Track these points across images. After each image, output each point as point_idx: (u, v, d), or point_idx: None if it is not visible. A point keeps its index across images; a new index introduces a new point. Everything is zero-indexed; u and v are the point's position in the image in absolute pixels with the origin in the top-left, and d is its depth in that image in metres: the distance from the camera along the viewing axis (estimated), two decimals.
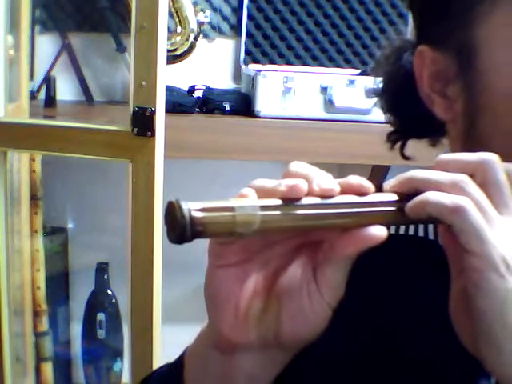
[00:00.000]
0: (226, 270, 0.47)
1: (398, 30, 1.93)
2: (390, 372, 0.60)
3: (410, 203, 0.45)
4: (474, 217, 0.44)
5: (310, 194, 0.45)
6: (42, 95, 1.79)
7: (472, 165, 0.47)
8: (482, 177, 0.46)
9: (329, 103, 1.64)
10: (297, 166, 0.47)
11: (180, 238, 0.41)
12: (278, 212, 0.44)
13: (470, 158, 0.47)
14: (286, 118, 1.63)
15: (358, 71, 1.85)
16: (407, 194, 0.46)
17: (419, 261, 0.63)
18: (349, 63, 1.94)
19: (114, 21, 1.82)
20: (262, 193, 0.45)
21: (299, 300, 0.47)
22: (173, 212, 0.42)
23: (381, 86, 0.70)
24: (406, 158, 0.71)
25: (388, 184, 0.48)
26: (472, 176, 0.46)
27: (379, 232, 0.44)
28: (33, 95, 1.75)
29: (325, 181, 0.45)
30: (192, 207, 0.41)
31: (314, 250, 0.48)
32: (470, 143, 0.59)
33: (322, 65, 1.93)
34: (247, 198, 0.45)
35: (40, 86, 1.80)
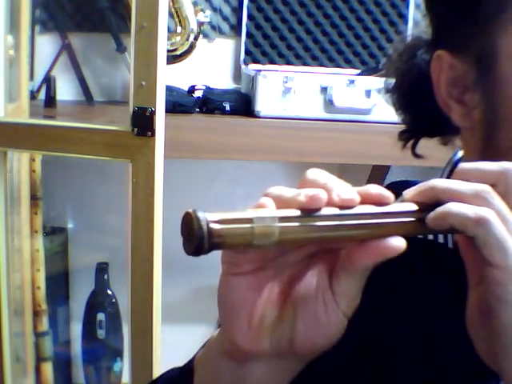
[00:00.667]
0: (241, 278, 0.46)
1: (398, 30, 1.93)
2: (400, 379, 0.59)
3: (432, 214, 0.45)
4: (498, 229, 0.43)
5: (329, 204, 0.44)
6: (42, 95, 1.79)
7: (494, 174, 0.46)
8: (504, 187, 0.45)
9: (329, 103, 1.64)
10: (314, 173, 0.46)
11: (197, 249, 0.41)
12: (297, 223, 0.43)
13: (491, 168, 0.46)
14: (286, 118, 1.63)
15: (358, 71, 1.85)
16: (427, 204, 0.45)
17: (432, 266, 0.62)
18: (349, 63, 1.94)
19: (114, 21, 1.82)
20: (280, 202, 0.44)
21: (315, 309, 0.46)
22: (190, 223, 0.41)
23: (393, 83, 0.69)
24: (417, 156, 0.70)
25: (408, 192, 0.47)
26: (493, 186, 0.45)
27: (398, 243, 0.44)
28: (33, 95, 1.75)
29: (345, 191, 0.45)
30: (210, 218, 0.41)
31: (330, 258, 0.47)
32: (489, 151, 0.58)
33: (321, 65, 1.93)
34: (265, 209, 0.44)
35: (40, 86, 1.80)
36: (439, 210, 0.44)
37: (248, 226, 0.41)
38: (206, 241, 0.40)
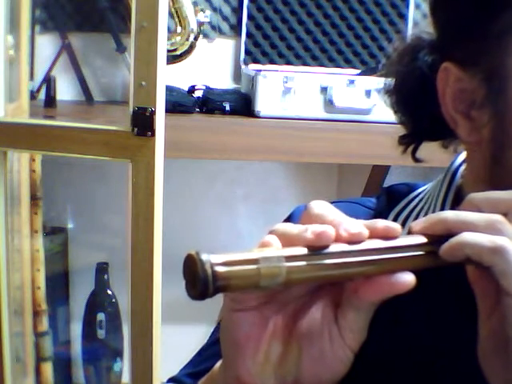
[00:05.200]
0: (245, 314, 0.45)
1: (398, 30, 1.93)
2: None
3: (446, 245, 0.44)
4: None
5: (337, 239, 0.43)
6: (42, 95, 1.79)
7: (506, 203, 0.45)
8: None
9: (329, 103, 1.64)
10: (319, 207, 0.45)
11: (202, 294, 0.39)
12: (304, 262, 0.42)
13: (503, 197, 0.46)
14: (286, 118, 1.63)
15: (358, 71, 1.85)
16: (437, 236, 0.44)
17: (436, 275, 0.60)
18: (349, 63, 1.94)
19: (114, 21, 1.82)
20: (286, 240, 0.43)
21: (320, 344, 0.45)
22: (193, 266, 0.39)
23: (392, 85, 0.66)
24: (418, 161, 0.68)
25: (416, 224, 0.46)
26: (505, 215, 0.44)
27: (408, 279, 0.43)
28: (33, 95, 1.75)
29: (353, 225, 0.43)
30: (214, 261, 0.39)
31: (335, 291, 0.46)
32: (498, 170, 0.56)
33: (321, 65, 1.93)
34: (271, 248, 0.42)
35: (40, 86, 1.80)
36: (453, 240, 0.43)
37: (254, 267, 0.40)
38: (211, 285, 0.39)
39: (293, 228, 0.44)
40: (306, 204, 0.47)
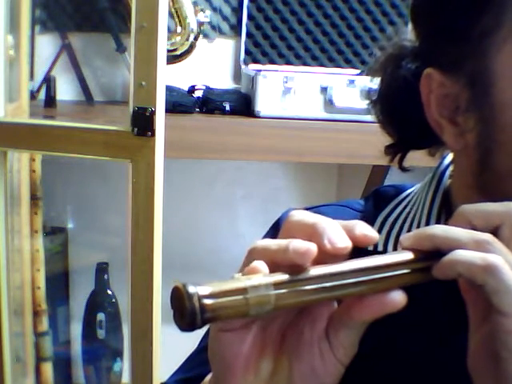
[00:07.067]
0: (232, 334, 0.45)
1: (398, 30, 1.93)
2: None
3: (438, 264, 0.43)
4: (508, 276, 0.41)
5: (322, 252, 0.42)
6: (42, 95, 1.79)
7: (499, 216, 0.44)
8: (509, 228, 0.44)
9: (329, 103, 1.64)
10: (298, 215, 0.44)
11: (190, 326, 0.39)
12: (293, 288, 0.41)
13: (496, 209, 0.45)
14: (286, 118, 1.63)
15: (358, 71, 1.85)
16: (426, 252, 0.44)
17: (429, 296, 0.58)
18: (349, 63, 1.94)
19: (114, 21, 1.82)
20: (267, 258, 0.43)
21: (311, 360, 0.45)
22: (180, 299, 0.39)
23: (376, 94, 0.66)
24: (404, 169, 0.67)
25: (405, 239, 0.45)
26: (498, 227, 0.44)
27: (400, 298, 0.42)
28: (33, 95, 1.75)
29: (336, 236, 0.42)
30: (201, 293, 0.39)
31: (324, 308, 0.45)
32: (486, 174, 0.56)
33: (322, 65, 1.94)
34: (258, 275, 0.41)
35: (40, 86, 1.80)
36: (445, 259, 0.43)
37: (242, 297, 0.40)
38: (199, 317, 0.38)
39: (272, 245, 0.43)
40: (295, 208, 0.47)
